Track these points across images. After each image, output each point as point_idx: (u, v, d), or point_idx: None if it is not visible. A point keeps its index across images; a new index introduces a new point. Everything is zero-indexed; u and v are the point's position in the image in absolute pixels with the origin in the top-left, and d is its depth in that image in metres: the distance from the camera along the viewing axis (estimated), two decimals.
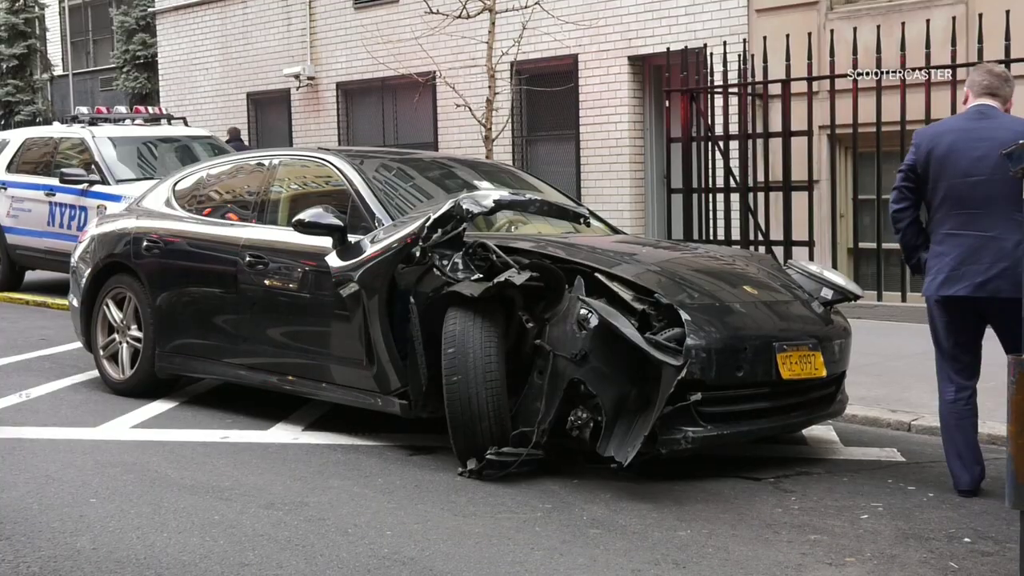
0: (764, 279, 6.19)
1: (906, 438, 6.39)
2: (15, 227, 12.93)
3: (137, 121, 13.81)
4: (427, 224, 5.61)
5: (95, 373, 7.77)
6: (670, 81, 12.03)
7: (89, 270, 7.71)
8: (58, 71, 29.98)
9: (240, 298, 6.73)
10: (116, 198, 11.29)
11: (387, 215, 6.29)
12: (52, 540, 4.49)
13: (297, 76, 18.31)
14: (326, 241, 6.12)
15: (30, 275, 13.68)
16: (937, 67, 10.13)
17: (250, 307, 6.69)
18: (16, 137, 13.83)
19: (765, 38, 11.53)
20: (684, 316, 5.33)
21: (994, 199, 4.96)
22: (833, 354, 5.84)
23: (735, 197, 11.61)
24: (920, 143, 5.20)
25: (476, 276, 5.48)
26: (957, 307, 5.13)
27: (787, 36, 11.27)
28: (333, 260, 6.00)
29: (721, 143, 11.60)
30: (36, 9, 29.31)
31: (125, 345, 7.43)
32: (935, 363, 5.33)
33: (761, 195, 11.41)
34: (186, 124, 14.82)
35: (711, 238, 11.49)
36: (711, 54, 11.96)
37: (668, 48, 12.37)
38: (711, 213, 11.61)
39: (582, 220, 6.74)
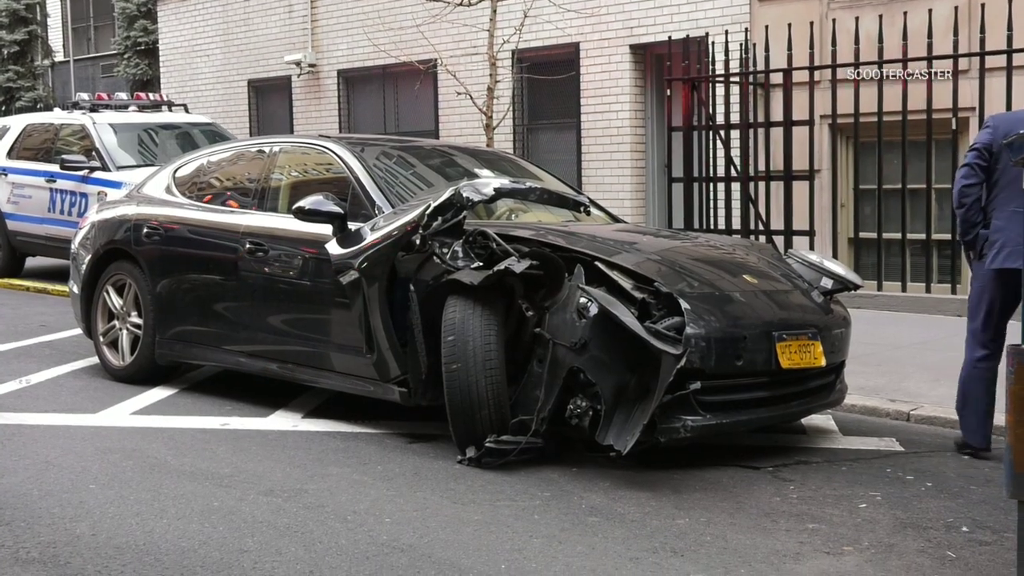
0: (764, 268, 6.19)
1: (905, 428, 6.40)
2: (15, 213, 12.93)
3: (131, 108, 13.76)
4: (427, 212, 5.61)
5: (95, 359, 7.78)
6: (672, 70, 12.00)
7: (89, 256, 7.71)
8: (59, 57, 29.90)
9: (240, 285, 6.73)
10: (116, 185, 11.29)
11: (387, 203, 6.28)
12: (51, 526, 4.50)
13: (298, 63, 18.26)
14: (326, 229, 6.12)
15: (30, 261, 13.68)
16: (939, 57, 10.12)
17: (250, 294, 6.69)
18: (17, 123, 13.81)
19: (767, 27, 11.51)
20: (684, 305, 5.33)
21: None
22: (832, 344, 5.84)
23: (736, 186, 11.60)
24: (998, 125, 5.52)
25: (476, 264, 5.48)
26: (1016, 279, 5.41)
27: (789, 25, 11.24)
28: (333, 248, 6.00)
29: (722, 132, 11.58)
30: None
31: (125, 332, 7.44)
32: (967, 331, 5.71)
33: (762, 184, 11.40)
34: (187, 111, 14.80)
35: (711, 227, 11.48)
36: (713, 43, 11.94)
37: (670, 37, 12.33)
38: (712, 202, 11.60)
39: (582, 208, 6.73)
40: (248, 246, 6.68)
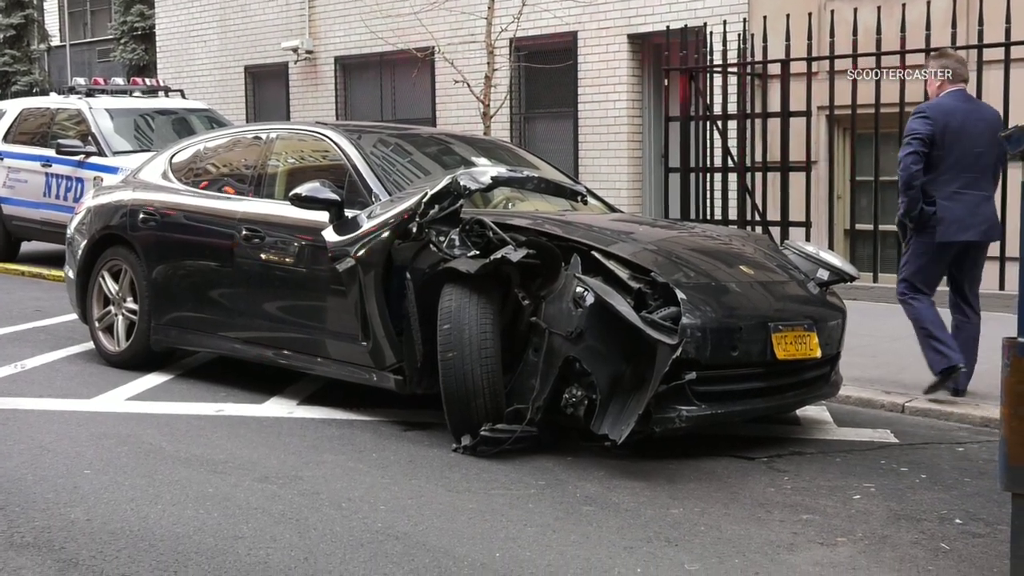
0: (760, 259, 6.20)
1: (899, 419, 6.41)
2: (11, 198, 12.90)
3: (135, 93, 13.76)
4: (424, 200, 5.60)
5: (90, 345, 7.77)
6: (669, 60, 11.99)
7: (85, 242, 7.69)
8: (55, 42, 29.85)
9: (236, 272, 6.72)
10: (113, 170, 11.27)
11: (384, 190, 6.27)
12: (46, 511, 4.50)
13: (295, 50, 18.22)
14: (323, 216, 6.11)
15: (26, 246, 13.67)
16: (937, 49, 10.09)
17: (246, 281, 6.68)
18: (13, 107, 13.78)
19: (765, 18, 11.49)
20: (680, 295, 5.33)
21: (988, 166, 6.39)
22: (828, 335, 5.85)
23: (732, 177, 11.60)
24: (936, 117, 6.29)
25: (472, 253, 5.47)
26: (960, 249, 6.38)
27: (787, 16, 11.23)
28: (330, 235, 5.99)
29: (719, 123, 11.58)
30: None
31: (121, 317, 7.43)
32: (909, 291, 6.50)
33: (759, 175, 11.40)
34: (183, 96, 14.77)
35: (708, 218, 11.48)
36: (711, 33, 11.92)
37: (668, 26, 12.32)
38: (708, 193, 11.60)
39: (579, 198, 6.73)
40: (244, 233, 6.67)
